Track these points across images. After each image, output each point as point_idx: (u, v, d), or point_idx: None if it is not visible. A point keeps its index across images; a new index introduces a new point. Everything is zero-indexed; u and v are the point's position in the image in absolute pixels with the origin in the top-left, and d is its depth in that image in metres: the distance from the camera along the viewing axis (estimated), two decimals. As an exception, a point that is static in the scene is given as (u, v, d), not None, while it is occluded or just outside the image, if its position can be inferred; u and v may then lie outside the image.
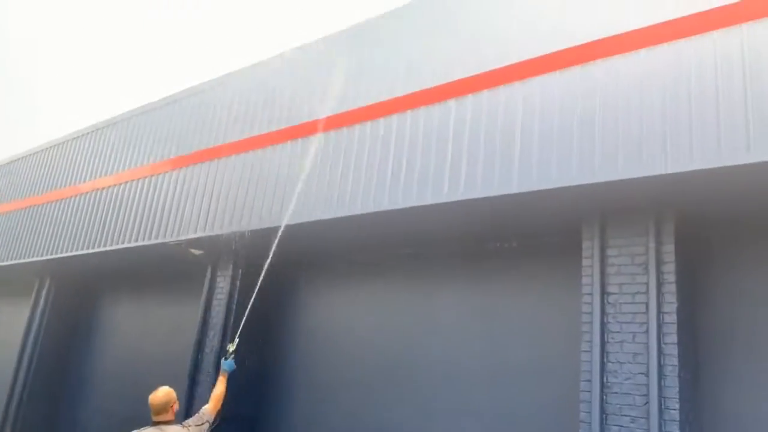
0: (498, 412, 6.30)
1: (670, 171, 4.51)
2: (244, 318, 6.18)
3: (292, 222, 6.94)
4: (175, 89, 9.44)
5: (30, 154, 12.34)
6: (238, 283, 8.52)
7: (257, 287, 6.42)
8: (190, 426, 4.63)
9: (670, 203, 5.10)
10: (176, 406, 4.62)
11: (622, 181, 4.75)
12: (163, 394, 4.52)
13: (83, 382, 11.49)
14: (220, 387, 5.11)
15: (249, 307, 6.24)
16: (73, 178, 10.67)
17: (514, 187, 5.29)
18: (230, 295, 8.48)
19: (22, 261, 11.17)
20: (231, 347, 5.49)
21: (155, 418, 4.46)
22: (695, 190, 4.83)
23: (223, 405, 5.02)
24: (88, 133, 10.85)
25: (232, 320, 8.36)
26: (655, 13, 4.89)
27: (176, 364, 9.37)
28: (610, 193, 5.04)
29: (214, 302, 8.65)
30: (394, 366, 7.34)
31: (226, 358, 5.38)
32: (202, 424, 4.73)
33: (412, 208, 5.99)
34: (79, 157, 10.76)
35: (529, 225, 6.09)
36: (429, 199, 5.84)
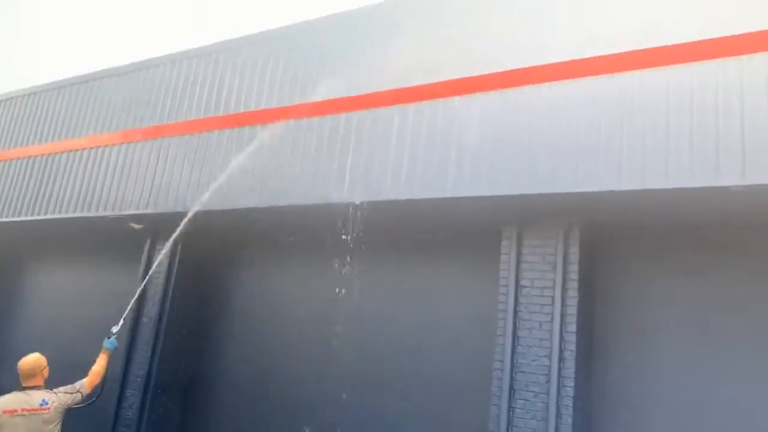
0: (421, 385, 7.09)
1: (579, 190, 5.33)
2: (131, 303, 6.67)
3: (223, 207, 7.39)
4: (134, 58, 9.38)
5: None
6: (177, 257, 8.86)
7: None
8: (59, 392, 4.76)
9: (579, 213, 5.97)
10: (46, 373, 4.78)
11: (538, 195, 5.55)
12: (31, 360, 4.72)
13: (5, 353, 11.43)
14: (100, 363, 5.24)
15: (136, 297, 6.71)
16: (7, 142, 10.45)
17: (449, 191, 5.99)
18: (169, 269, 8.82)
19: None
20: (115, 328, 5.63)
21: (24, 383, 4.66)
22: (600, 205, 5.68)
23: (103, 383, 5.28)
24: (29, 94, 10.54)
25: (170, 292, 8.73)
26: (581, 49, 5.63)
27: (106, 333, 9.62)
28: (528, 202, 5.83)
29: (153, 275, 8.94)
30: (326, 334, 7.94)
31: (108, 338, 5.48)
32: (74, 393, 4.85)
33: (348, 204, 6.59)
34: (19, 119, 10.50)
35: (455, 223, 6.82)
36: (367, 196, 6.45)
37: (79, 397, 4.89)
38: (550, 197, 5.55)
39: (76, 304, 10.69)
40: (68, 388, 4.86)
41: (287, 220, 7.73)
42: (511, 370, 5.96)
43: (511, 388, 5.92)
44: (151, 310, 8.71)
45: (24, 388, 4.65)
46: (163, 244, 8.94)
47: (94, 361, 5.28)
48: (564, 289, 5.93)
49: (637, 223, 6.15)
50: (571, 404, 5.60)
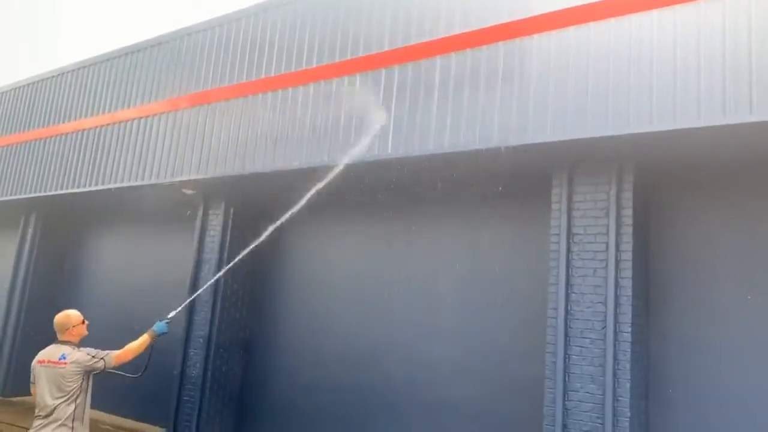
0: (473, 336, 7.15)
1: (633, 131, 5.18)
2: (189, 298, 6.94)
3: (280, 168, 7.48)
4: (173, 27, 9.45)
5: (13, 89, 12.23)
6: (230, 221, 9.07)
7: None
8: (82, 351, 4.85)
9: (631, 156, 5.81)
10: (77, 331, 4.98)
11: (590, 138, 5.41)
12: (61, 316, 4.99)
13: (75, 313, 12.03)
14: (140, 341, 5.20)
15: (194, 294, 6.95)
16: (64, 115, 10.78)
17: (495, 141, 5.90)
18: (223, 233, 9.05)
19: (6, 198, 11.39)
20: (172, 313, 5.71)
21: (58, 337, 4.94)
22: (654, 146, 5.51)
23: (147, 363, 5.42)
24: (79, 68, 10.78)
25: (225, 256, 8.97)
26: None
27: (168, 297, 9.99)
28: (579, 148, 5.70)
29: (207, 239, 9.20)
30: (377, 293, 8.10)
31: (161, 320, 5.48)
32: (96, 359, 4.85)
33: (401, 159, 6.57)
34: (68, 94, 10.79)
35: (505, 173, 6.73)
36: (416, 151, 6.42)
37: (101, 365, 4.85)
38: (601, 140, 5.41)
39: (134, 271, 11.11)
40: (93, 351, 4.90)
41: (337, 179, 7.77)
42: (566, 317, 5.94)
43: (566, 335, 5.91)
44: (208, 273, 8.98)
45: (57, 342, 4.92)
46: (216, 209, 9.18)
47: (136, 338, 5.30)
48: (618, 234, 5.82)
49: (693, 163, 5.95)
50: (629, 349, 5.55)
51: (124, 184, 9.29)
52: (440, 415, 7.16)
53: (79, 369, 4.76)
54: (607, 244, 5.84)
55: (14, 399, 11.35)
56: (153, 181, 8.92)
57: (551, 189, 6.29)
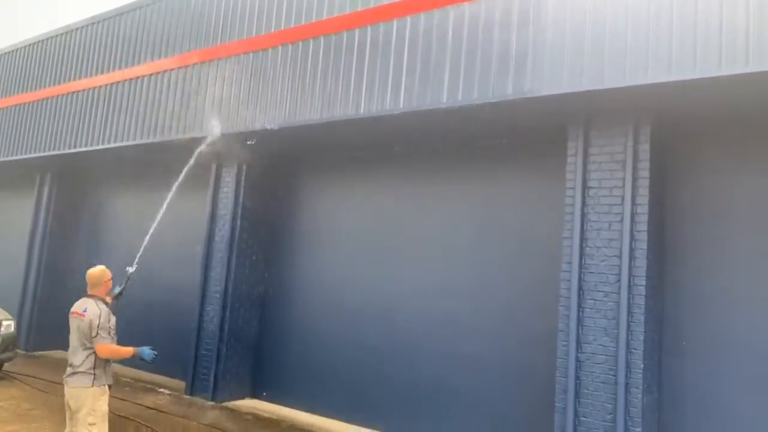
0: (487, 290, 7.18)
1: (650, 81, 5.05)
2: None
3: (289, 124, 7.43)
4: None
5: (24, 47, 12.16)
6: (243, 177, 9.08)
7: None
8: (102, 312, 5.00)
9: (649, 108, 5.68)
10: (108, 286, 5.27)
11: (608, 89, 5.29)
12: (93, 270, 5.27)
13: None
14: (125, 350, 5.13)
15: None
16: (76, 72, 10.73)
17: (510, 93, 5.80)
18: (236, 189, 9.07)
19: (22, 157, 11.45)
20: (154, 354, 5.38)
21: (87, 290, 5.21)
22: (672, 97, 5.39)
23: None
24: (90, 24, 10.66)
25: (239, 212, 9.01)
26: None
27: (183, 253, 10.11)
28: (595, 100, 5.58)
29: (221, 195, 9.23)
30: (390, 248, 8.12)
31: (150, 349, 5.34)
32: (95, 333, 4.93)
33: (412, 113, 6.49)
34: (78, 51, 10.72)
35: (520, 126, 6.64)
36: (428, 104, 6.33)
37: (94, 339, 4.93)
38: (619, 91, 5.29)
39: (151, 226, 11.18)
40: (102, 324, 4.98)
41: (350, 134, 7.74)
42: (580, 271, 5.92)
43: (580, 288, 5.91)
44: (223, 229, 9.05)
45: (86, 295, 5.19)
46: (229, 165, 9.18)
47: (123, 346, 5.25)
48: (634, 187, 5.75)
49: (710, 115, 5.82)
50: (642, 302, 5.55)
51: (137, 142, 9.30)
52: (454, 367, 7.24)
53: (94, 326, 4.96)
54: (622, 197, 5.78)
55: (36, 354, 11.65)
56: (165, 138, 8.92)
57: (567, 142, 6.20)
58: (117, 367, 10.53)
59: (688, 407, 5.77)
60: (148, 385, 9.50)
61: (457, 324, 7.31)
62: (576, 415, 5.76)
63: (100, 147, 9.95)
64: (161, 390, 9.23)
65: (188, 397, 8.85)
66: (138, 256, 6.37)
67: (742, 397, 5.51)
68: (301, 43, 7.50)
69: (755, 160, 5.76)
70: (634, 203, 5.73)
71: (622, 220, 5.75)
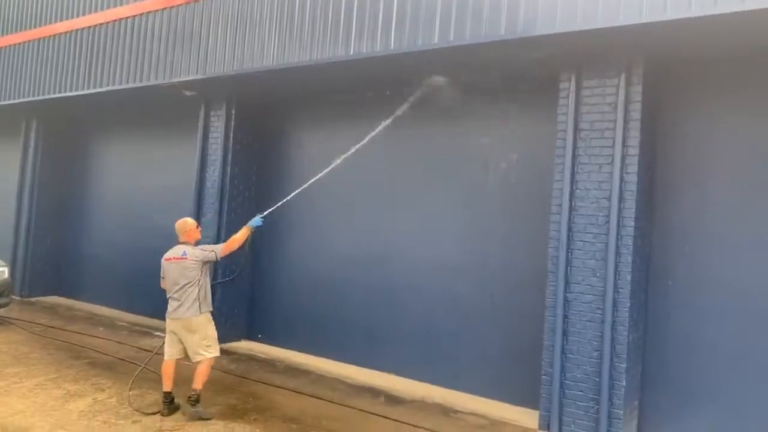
0: (477, 232, 7.25)
1: (645, 21, 4.98)
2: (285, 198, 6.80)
3: (276, 66, 7.31)
4: None
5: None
6: (232, 122, 8.99)
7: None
8: (197, 249, 6.03)
9: (642, 50, 5.62)
10: (192, 235, 6.11)
11: (601, 29, 5.22)
12: (180, 222, 6.19)
13: (84, 217, 12.20)
14: (240, 234, 6.15)
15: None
16: (56, 14, 10.41)
17: (503, 33, 5.71)
18: (226, 134, 8.98)
19: (5, 102, 11.23)
20: (266, 212, 6.45)
21: (179, 239, 6.10)
22: (665, 38, 5.33)
23: (237, 253, 6.30)
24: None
25: (230, 157, 8.96)
26: None
27: (175, 198, 10.10)
28: (589, 40, 5.51)
29: (210, 140, 9.15)
30: (382, 192, 8.14)
31: (258, 215, 6.33)
32: (209, 252, 6.01)
33: (403, 54, 6.39)
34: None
35: (512, 68, 6.56)
36: (419, 46, 6.23)
37: (212, 255, 5.99)
38: (612, 31, 5.22)
39: (141, 172, 11.14)
40: (206, 246, 6.16)
41: (340, 77, 7.63)
42: (570, 212, 5.99)
43: (570, 230, 5.98)
44: (213, 175, 9.01)
45: (178, 243, 6.06)
46: (218, 110, 9.07)
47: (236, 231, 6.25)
48: (625, 129, 5.74)
49: (704, 57, 5.77)
50: (630, 244, 5.64)
51: (122, 86, 9.14)
52: (446, 309, 7.39)
53: (196, 261, 5.90)
54: (613, 139, 5.79)
55: (32, 299, 11.76)
56: (151, 82, 8.76)
57: (559, 84, 6.16)
58: (114, 313, 10.70)
59: (672, 344, 5.94)
60: (145, 329, 9.66)
61: (449, 267, 7.41)
62: (563, 352, 5.94)
63: (84, 92, 9.78)
64: (158, 333, 9.38)
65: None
66: (277, 204, 6.69)
67: (724, 333, 5.68)
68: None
69: (743, 105, 5.73)
70: (624, 145, 5.74)
71: (612, 162, 5.78)
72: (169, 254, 6.01)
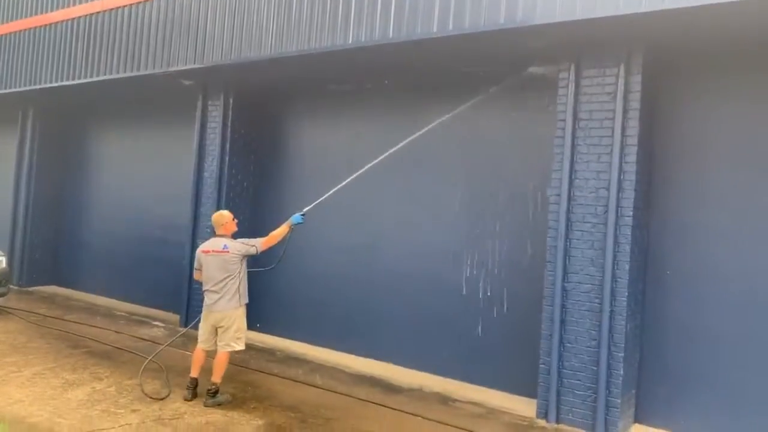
0: (473, 221, 7.25)
1: (646, 10, 4.96)
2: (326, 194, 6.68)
3: (274, 55, 7.28)
4: None
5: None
6: (230, 112, 8.95)
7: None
8: (237, 242, 6.00)
9: (642, 39, 5.61)
10: (229, 227, 6.09)
11: (601, 18, 5.20)
12: (216, 214, 6.28)
13: (82, 206, 12.16)
14: (280, 229, 6.21)
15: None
16: (49, 4, 10.35)
17: (502, 22, 5.69)
18: (224, 123, 8.95)
19: (0, 92, 11.17)
20: (306, 208, 6.42)
21: (216, 232, 6.14)
22: (665, 28, 5.31)
23: (281, 256, 6.48)
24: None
25: (228, 146, 8.93)
26: None
27: (173, 188, 10.09)
28: (589, 29, 5.49)
29: (208, 130, 9.12)
30: (377, 180, 8.12)
31: (298, 213, 6.31)
32: (250, 246, 6.00)
33: (402, 43, 6.37)
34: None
35: (512, 57, 6.54)
36: (418, 34, 6.20)
37: (253, 250, 6.00)
38: (612, 20, 5.20)
39: (139, 162, 11.12)
40: (247, 240, 6.08)
41: (337, 66, 7.60)
42: (568, 203, 5.99)
43: (568, 220, 5.99)
44: (212, 165, 8.99)
45: (216, 235, 6.09)
46: (215, 100, 9.04)
47: (276, 227, 6.28)
48: (624, 119, 5.74)
49: (703, 48, 5.75)
50: (629, 233, 5.65)
51: (119, 75, 9.10)
52: (441, 297, 7.40)
53: (238, 255, 5.91)
54: (612, 129, 5.78)
55: (30, 289, 11.75)
56: (148, 71, 8.72)
57: (558, 74, 6.15)
58: (113, 302, 10.70)
59: (669, 333, 5.96)
60: (143, 319, 9.66)
61: (444, 255, 7.42)
62: (561, 341, 5.96)
63: (81, 81, 9.73)
64: (155, 323, 9.39)
65: (183, 329, 9.01)
66: (317, 201, 6.57)
67: (721, 323, 5.70)
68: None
69: (742, 95, 5.73)
70: (624, 135, 5.74)
71: (611, 152, 5.77)
72: (206, 246, 6.01)
